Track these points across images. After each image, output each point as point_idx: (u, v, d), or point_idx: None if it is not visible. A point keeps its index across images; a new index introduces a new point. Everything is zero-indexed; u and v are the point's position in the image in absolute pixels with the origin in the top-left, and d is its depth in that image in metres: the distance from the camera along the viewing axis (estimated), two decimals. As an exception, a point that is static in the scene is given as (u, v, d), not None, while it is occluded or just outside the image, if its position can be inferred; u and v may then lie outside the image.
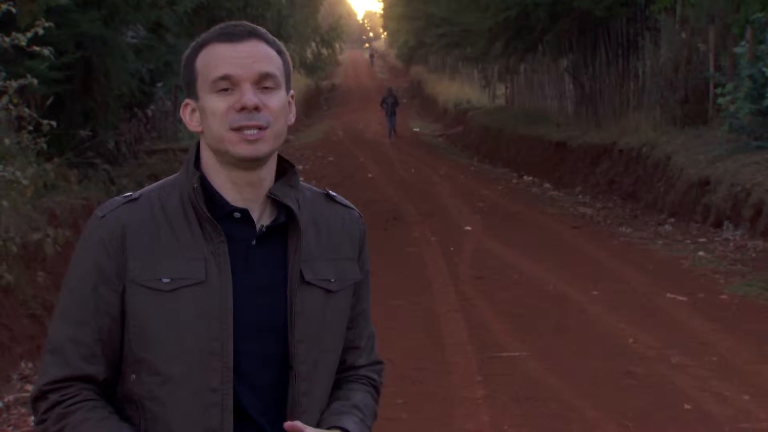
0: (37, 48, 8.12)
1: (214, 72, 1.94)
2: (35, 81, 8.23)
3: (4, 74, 8.66)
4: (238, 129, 1.93)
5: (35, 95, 10.06)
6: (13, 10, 8.40)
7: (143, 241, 1.95)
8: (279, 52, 2.00)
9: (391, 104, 33.15)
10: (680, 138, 15.94)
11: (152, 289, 1.93)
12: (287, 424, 1.91)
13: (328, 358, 2.05)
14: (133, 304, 1.93)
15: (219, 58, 1.95)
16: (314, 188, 2.13)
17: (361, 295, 2.14)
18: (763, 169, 12.60)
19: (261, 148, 1.94)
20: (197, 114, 2.00)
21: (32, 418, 5.89)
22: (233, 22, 2.01)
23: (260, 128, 1.93)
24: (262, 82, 1.95)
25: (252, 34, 1.97)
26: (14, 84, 8.17)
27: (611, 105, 20.71)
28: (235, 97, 1.93)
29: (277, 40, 2.03)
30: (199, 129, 2.00)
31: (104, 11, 12.62)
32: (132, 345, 1.94)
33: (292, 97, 2.05)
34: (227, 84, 1.94)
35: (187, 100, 2.02)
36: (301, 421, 1.97)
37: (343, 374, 2.14)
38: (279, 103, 1.97)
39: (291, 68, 2.04)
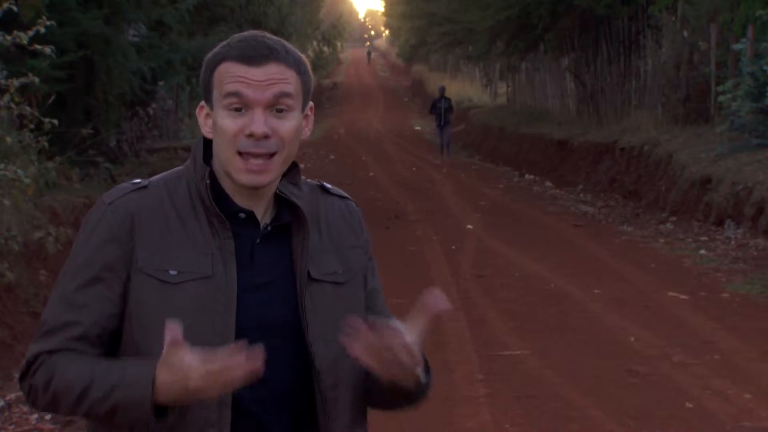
0: (38, 46, 8.12)
1: (226, 87, 1.93)
2: (37, 79, 8.24)
3: (5, 72, 8.67)
4: (245, 155, 1.92)
5: (37, 94, 10.06)
6: (15, 8, 8.40)
7: (152, 230, 1.95)
8: (299, 72, 1.97)
9: (444, 110, 24.00)
10: (682, 136, 15.95)
11: (159, 280, 1.93)
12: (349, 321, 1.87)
13: None
14: (137, 293, 1.93)
15: (233, 77, 1.92)
16: (309, 181, 2.12)
17: (368, 276, 2.12)
18: (765, 168, 12.61)
19: (264, 179, 1.94)
20: (210, 120, 1.99)
21: (35, 415, 5.89)
22: (254, 39, 1.96)
23: (268, 155, 1.93)
24: (275, 105, 1.93)
25: (270, 58, 1.93)
26: (16, 82, 8.17)
27: (613, 103, 20.73)
28: (246, 120, 1.92)
29: (299, 56, 1.98)
30: (210, 136, 2.00)
31: (106, 10, 12.63)
32: (133, 333, 1.94)
33: (311, 109, 2.03)
34: (238, 103, 1.92)
35: (202, 104, 2.01)
36: (332, 414, 1.99)
37: None
38: (291, 127, 1.95)
39: (311, 84, 2.01)
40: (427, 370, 1.99)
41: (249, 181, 1.93)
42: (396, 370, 1.89)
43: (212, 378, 1.79)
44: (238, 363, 1.78)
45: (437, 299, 1.90)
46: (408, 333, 1.88)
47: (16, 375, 6.72)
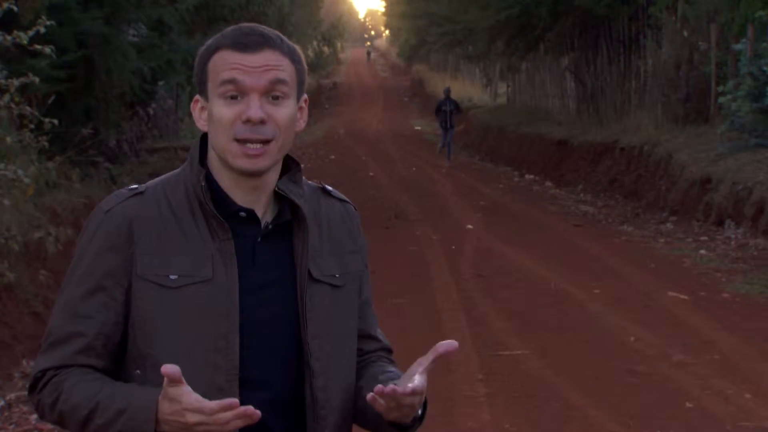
0: (38, 46, 8.12)
1: (222, 75, 1.93)
2: (37, 79, 8.22)
3: (5, 72, 8.66)
4: (242, 141, 1.92)
5: (37, 94, 10.07)
6: (15, 8, 8.40)
7: (151, 236, 1.95)
8: (293, 60, 1.97)
9: (450, 112, 23.63)
10: (682, 136, 15.95)
11: (159, 285, 1.92)
12: (377, 388, 1.87)
13: (343, 353, 2.05)
14: (139, 299, 1.93)
15: (229, 64, 1.93)
16: (311, 183, 2.12)
17: (363, 285, 2.13)
18: (765, 168, 12.61)
19: (261, 163, 1.94)
20: (206, 113, 1.99)
21: (34, 415, 5.89)
22: (248, 28, 1.97)
23: (265, 142, 1.93)
24: (271, 92, 1.93)
25: (265, 45, 1.94)
26: (16, 82, 8.16)
27: (613, 103, 20.72)
28: (242, 107, 1.92)
29: (293, 46, 2.00)
30: (206, 129, 2.00)
31: (106, 9, 12.63)
32: (137, 340, 1.94)
33: (306, 101, 2.04)
34: (234, 90, 1.92)
35: (197, 97, 2.02)
36: (321, 414, 1.99)
37: (365, 357, 2.13)
38: (287, 114, 1.95)
39: (305, 74, 2.02)
40: (424, 404, 2.00)
41: (247, 165, 1.93)
42: (404, 412, 1.93)
43: (208, 419, 1.79)
44: (235, 414, 1.79)
45: (449, 346, 1.92)
46: (417, 370, 1.91)
47: (17, 375, 6.74)
